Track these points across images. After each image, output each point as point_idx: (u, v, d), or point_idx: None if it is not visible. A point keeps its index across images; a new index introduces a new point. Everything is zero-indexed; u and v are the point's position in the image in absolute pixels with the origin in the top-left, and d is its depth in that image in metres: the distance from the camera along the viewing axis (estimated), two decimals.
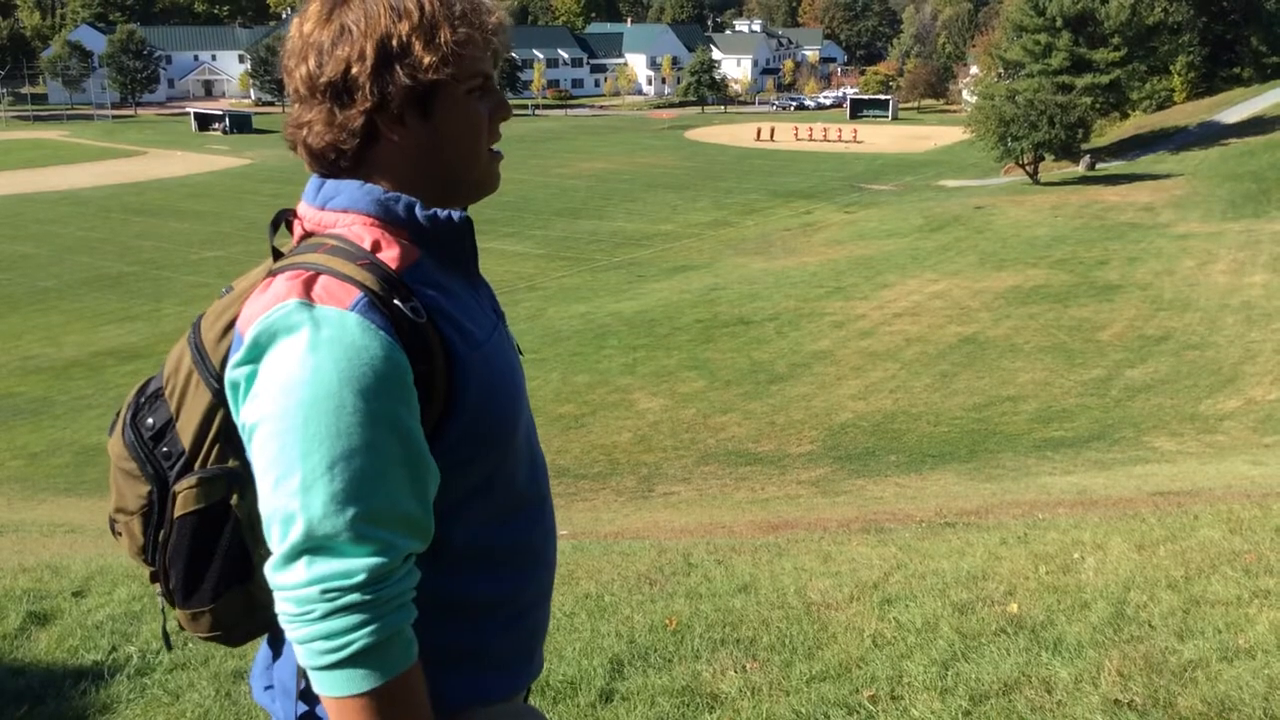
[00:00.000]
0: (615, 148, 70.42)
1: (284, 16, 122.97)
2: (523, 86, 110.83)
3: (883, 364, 20.71)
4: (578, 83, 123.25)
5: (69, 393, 21.50)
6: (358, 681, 1.20)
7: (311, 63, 1.29)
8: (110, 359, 23.94)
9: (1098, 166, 48.70)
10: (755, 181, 53.79)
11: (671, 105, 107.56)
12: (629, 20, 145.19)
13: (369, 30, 1.28)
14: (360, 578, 1.19)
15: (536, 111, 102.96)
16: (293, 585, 1.20)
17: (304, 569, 1.19)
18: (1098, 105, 51.37)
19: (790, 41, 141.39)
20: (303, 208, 1.36)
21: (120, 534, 1.45)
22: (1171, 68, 62.15)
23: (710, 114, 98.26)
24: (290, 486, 1.19)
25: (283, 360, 1.21)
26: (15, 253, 37.46)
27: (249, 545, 1.37)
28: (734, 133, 79.41)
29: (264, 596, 1.29)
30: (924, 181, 52.39)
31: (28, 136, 79.34)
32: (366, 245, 1.30)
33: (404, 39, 1.28)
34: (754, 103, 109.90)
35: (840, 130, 76.77)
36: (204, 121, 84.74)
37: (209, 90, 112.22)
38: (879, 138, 74.51)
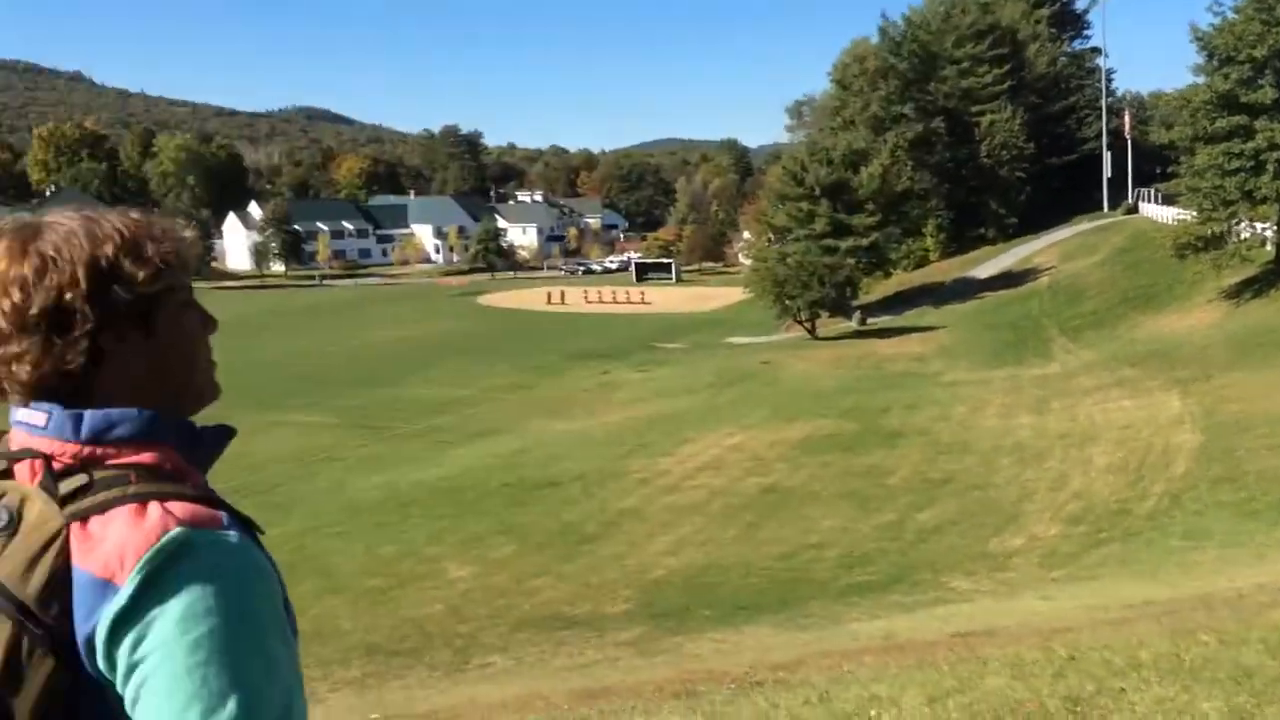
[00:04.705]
0: (408, 315, 70.19)
1: (47, 194, 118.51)
2: (308, 258, 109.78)
3: (690, 518, 21.02)
4: (364, 253, 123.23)
5: None
6: None
7: (16, 296, 1.27)
8: None
9: (869, 321, 51.90)
10: (551, 344, 54.51)
11: (461, 272, 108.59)
12: (412, 193, 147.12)
13: (75, 256, 1.29)
14: None
15: (324, 282, 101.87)
16: None
17: None
18: (861, 265, 55.10)
19: (572, 210, 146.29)
20: (49, 444, 1.29)
21: None
22: (923, 230, 67.81)
23: (500, 280, 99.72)
24: (225, 715, 1.15)
25: (191, 590, 1.19)
26: None
27: None
28: (525, 297, 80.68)
29: None
30: (713, 339, 54.41)
31: None
32: (169, 469, 1.31)
33: (111, 258, 1.30)
34: (543, 268, 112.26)
35: (628, 292, 79.26)
36: None
37: None
38: (665, 299, 77.21)
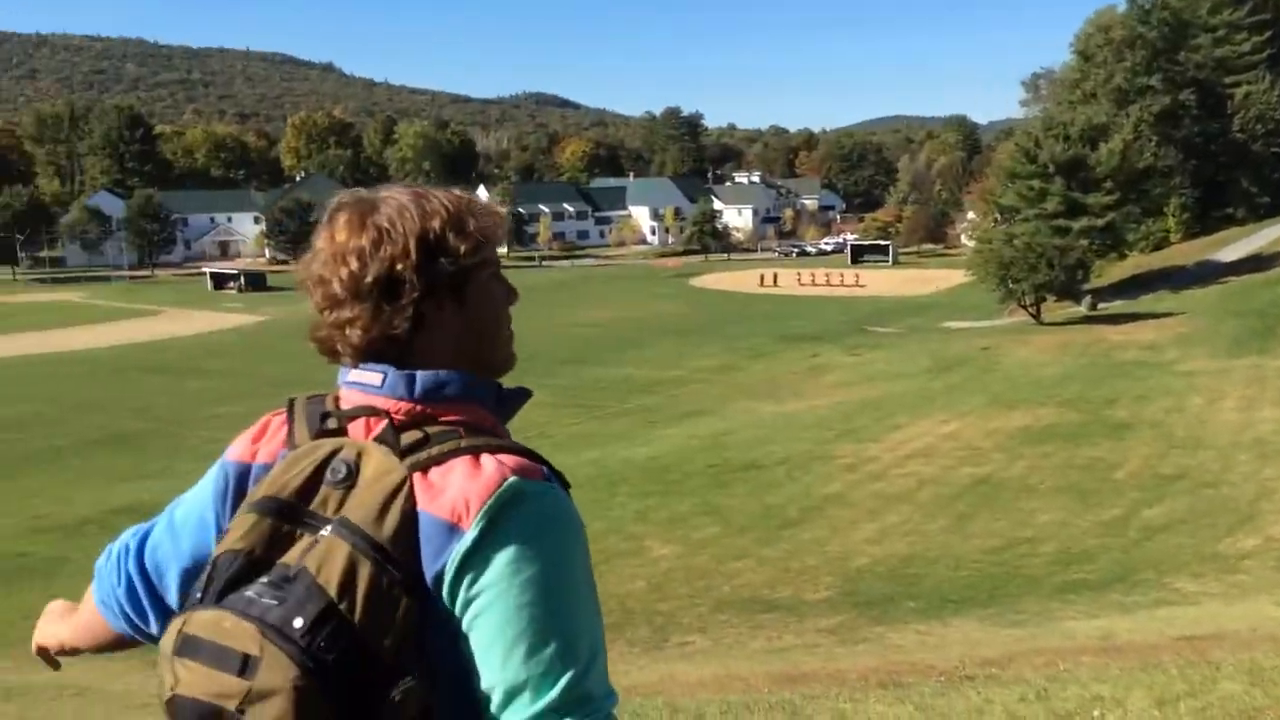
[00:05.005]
0: (622, 296, 71.54)
1: (297, 179, 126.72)
2: (529, 239, 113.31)
3: (897, 507, 20.57)
4: (583, 234, 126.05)
5: (82, 551, 21.35)
6: None
7: (354, 265, 1.39)
8: (124, 517, 23.78)
9: (1099, 306, 49.27)
10: (761, 326, 54.42)
11: (675, 254, 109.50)
12: (631, 175, 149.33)
13: (407, 229, 1.40)
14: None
15: (544, 263, 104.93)
16: None
17: None
18: (1095, 247, 52.24)
19: (789, 191, 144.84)
20: (384, 401, 1.38)
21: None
22: (1165, 209, 63.60)
23: (714, 261, 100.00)
24: (547, 653, 1.26)
25: (523, 536, 1.29)
26: (29, 412, 37.76)
27: None
28: (738, 279, 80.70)
29: None
30: (928, 323, 52.98)
31: (46, 299, 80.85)
32: (488, 426, 1.41)
33: (439, 232, 1.41)
34: (756, 250, 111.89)
35: (842, 275, 78.07)
36: (219, 280, 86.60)
37: (225, 250, 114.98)
38: (881, 281, 75.64)
